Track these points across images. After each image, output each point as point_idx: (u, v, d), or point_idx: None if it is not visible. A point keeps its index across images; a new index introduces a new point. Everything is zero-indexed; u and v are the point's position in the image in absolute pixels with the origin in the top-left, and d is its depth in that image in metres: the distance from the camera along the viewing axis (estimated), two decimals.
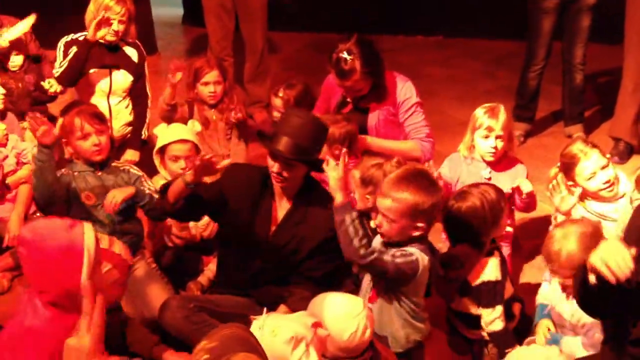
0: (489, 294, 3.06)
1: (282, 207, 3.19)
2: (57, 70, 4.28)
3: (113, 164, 3.64)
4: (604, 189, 3.40)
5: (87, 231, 2.25)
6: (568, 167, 3.45)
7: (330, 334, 2.53)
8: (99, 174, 3.57)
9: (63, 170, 3.56)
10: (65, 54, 4.26)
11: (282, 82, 4.62)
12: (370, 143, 3.85)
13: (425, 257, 2.79)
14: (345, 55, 3.65)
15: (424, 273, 2.81)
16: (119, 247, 2.81)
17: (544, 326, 3.13)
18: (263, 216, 3.18)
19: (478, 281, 3.07)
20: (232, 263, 3.31)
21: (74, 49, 4.21)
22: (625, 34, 4.85)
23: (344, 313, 2.56)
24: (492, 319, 3.06)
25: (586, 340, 2.92)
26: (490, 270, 3.08)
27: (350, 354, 2.58)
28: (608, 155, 3.54)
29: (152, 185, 3.66)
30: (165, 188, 3.12)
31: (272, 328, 2.42)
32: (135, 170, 3.67)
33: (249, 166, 3.48)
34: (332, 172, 2.84)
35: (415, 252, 2.78)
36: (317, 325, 2.46)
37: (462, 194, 3.16)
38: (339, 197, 2.82)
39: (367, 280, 3.02)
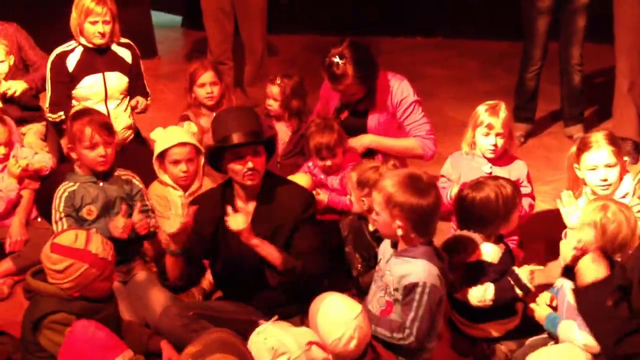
0: (479, 272, 3.12)
1: (248, 210, 3.18)
2: (50, 116, 4.31)
3: (116, 174, 3.61)
4: (599, 186, 3.41)
5: None
6: (580, 150, 3.49)
7: (320, 333, 2.57)
8: (101, 184, 3.55)
9: (62, 186, 3.53)
10: (53, 82, 4.26)
11: None
12: (370, 141, 3.87)
13: (431, 268, 2.79)
14: (337, 59, 3.65)
15: (441, 285, 2.83)
16: (95, 246, 2.84)
17: (545, 297, 3.14)
18: None
19: (474, 260, 3.15)
20: (225, 277, 3.32)
21: (62, 115, 4.21)
22: (614, 35, 4.86)
23: (334, 317, 2.58)
24: (479, 296, 3.11)
25: (580, 322, 2.90)
26: (489, 253, 3.15)
27: (337, 358, 2.59)
28: (626, 159, 3.52)
29: (150, 201, 3.71)
30: (163, 271, 3.19)
31: (266, 335, 2.49)
32: (137, 182, 3.66)
33: (204, 193, 3.48)
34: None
35: (419, 276, 2.77)
36: (311, 344, 2.47)
37: (479, 184, 3.22)
38: None
39: (376, 292, 3.00)
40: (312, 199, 3.29)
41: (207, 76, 4.29)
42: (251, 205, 3.18)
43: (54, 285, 2.84)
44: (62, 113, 4.26)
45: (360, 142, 3.89)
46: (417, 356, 2.92)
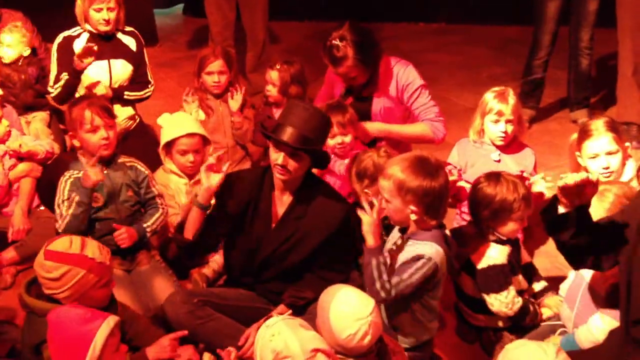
0: (498, 278, 3.08)
1: (283, 203, 3.14)
2: (53, 91, 4.26)
3: (119, 160, 3.56)
4: (602, 174, 3.37)
5: (103, 328, 2.55)
6: (580, 138, 3.45)
7: (332, 327, 2.54)
8: (106, 171, 3.49)
9: (68, 173, 3.48)
10: (60, 61, 4.23)
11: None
12: (378, 129, 3.83)
13: (439, 250, 2.79)
14: (337, 41, 3.63)
15: (442, 267, 2.82)
16: (91, 251, 2.71)
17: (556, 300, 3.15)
18: (263, 213, 3.14)
19: (484, 265, 3.10)
20: (237, 262, 3.28)
21: (65, 76, 4.18)
22: (617, 19, 4.82)
23: (349, 312, 2.53)
24: (506, 302, 3.07)
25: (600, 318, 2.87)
26: (497, 255, 3.10)
27: (349, 352, 2.57)
28: (628, 144, 3.47)
29: (158, 186, 3.66)
30: (180, 228, 3.17)
31: (275, 332, 2.47)
32: (143, 168, 3.61)
33: (243, 171, 3.45)
34: (366, 217, 2.90)
35: (427, 252, 2.77)
36: (316, 351, 2.46)
37: (497, 177, 3.14)
38: (370, 240, 2.87)
39: None
40: (349, 211, 3.18)
41: (216, 65, 4.25)
42: (287, 197, 3.13)
43: (51, 294, 2.69)
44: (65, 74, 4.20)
45: (371, 128, 3.83)
46: (418, 336, 2.94)
